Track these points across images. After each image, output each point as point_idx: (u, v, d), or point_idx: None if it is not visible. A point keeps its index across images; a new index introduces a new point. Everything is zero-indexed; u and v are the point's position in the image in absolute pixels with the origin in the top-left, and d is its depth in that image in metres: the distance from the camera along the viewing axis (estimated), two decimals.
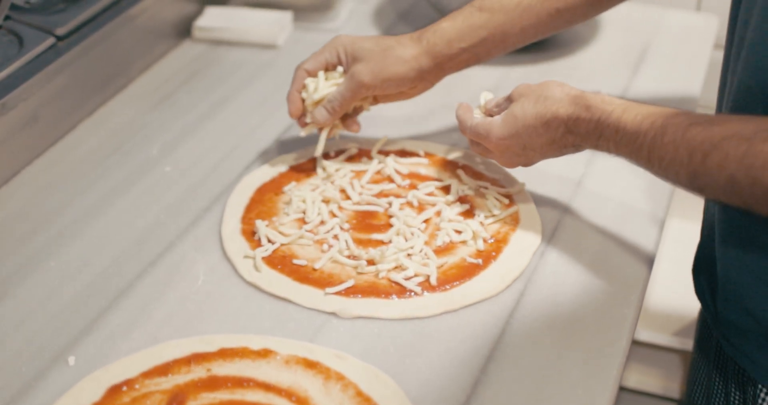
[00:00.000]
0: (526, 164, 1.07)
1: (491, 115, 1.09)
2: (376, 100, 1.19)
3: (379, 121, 1.30)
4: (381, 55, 1.12)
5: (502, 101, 1.07)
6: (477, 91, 1.39)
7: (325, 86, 1.15)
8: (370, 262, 1.04)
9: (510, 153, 1.05)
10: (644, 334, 1.66)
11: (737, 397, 1.03)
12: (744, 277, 0.98)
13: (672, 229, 1.64)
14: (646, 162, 0.91)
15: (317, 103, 1.15)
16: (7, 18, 1.29)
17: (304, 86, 1.16)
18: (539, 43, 1.50)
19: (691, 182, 0.87)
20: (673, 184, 0.92)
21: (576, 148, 1.01)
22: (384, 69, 1.12)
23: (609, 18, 1.58)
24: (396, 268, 1.04)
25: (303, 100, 1.16)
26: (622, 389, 1.72)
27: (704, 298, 1.08)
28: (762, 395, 0.99)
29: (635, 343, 1.69)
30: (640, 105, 0.94)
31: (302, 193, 1.13)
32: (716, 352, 1.08)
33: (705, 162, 0.84)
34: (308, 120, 1.17)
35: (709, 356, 1.10)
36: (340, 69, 1.15)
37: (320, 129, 1.18)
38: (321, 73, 1.16)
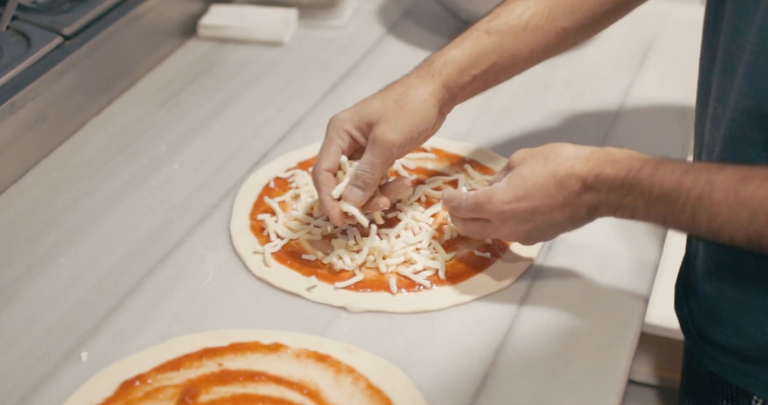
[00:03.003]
0: (531, 236, 0.96)
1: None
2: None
3: None
4: (397, 106, 1.01)
5: (497, 175, 0.99)
6: None
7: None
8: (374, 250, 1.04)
9: (515, 220, 0.94)
10: (653, 328, 1.67)
11: None
12: (740, 300, 0.96)
13: None
14: (689, 222, 0.83)
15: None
16: (14, 18, 1.30)
17: None
18: None
19: (750, 243, 0.82)
20: (721, 243, 0.85)
21: (591, 211, 0.91)
22: (408, 119, 1.01)
23: None
24: (405, 262, 1.04)
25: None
26: (632, 382, 1.72)
27: (687, 320, 1.06)
28: None
29: (644, 336, 1.69)
30: (671, 160, 0.86)
31: (311, 189, 1.13)
32: (705, 376, 1.06)
33: None
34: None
35: (698, 386, 1.09)
36: (343, 158, 1.03)
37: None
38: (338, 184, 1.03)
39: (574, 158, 0.90)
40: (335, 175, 1.03)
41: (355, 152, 1.04)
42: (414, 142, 1.03)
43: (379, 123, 1.01)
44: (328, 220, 1.09)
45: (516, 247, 1.06)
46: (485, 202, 0.94)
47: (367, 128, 1.02)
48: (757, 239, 0.81)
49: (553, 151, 0.92)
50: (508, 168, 0.96)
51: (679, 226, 0.86)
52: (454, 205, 0.99)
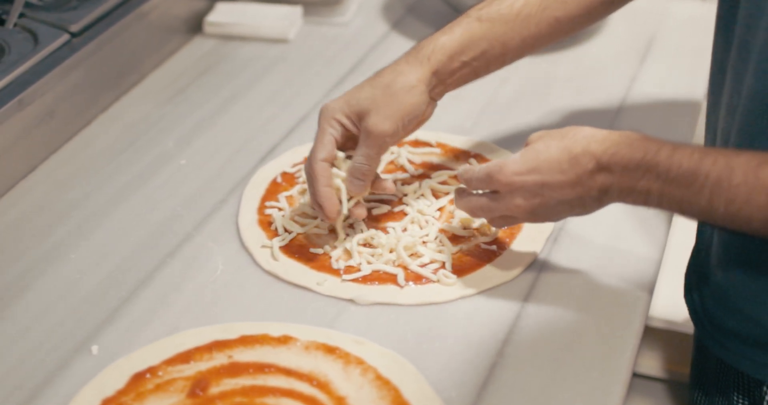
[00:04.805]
0: (538, 212, 0.93)
1: None
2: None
3: None
4: (385, 94, 1.01)
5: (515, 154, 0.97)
6: (488, 83, 1.40)
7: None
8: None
9: (524, 192, 0.92)
10: (660, 322, 1.68)
11: (745, 403, 1.03)
12: (753, 288, 0.96)
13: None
14: (706, 206, 0.83)
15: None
16: (21, 15, 1.31)
17: None
18: None
19: (767, 228, 0.81)
20: (733, 230, 0.85)
21: (601, 194, 0.89)
22: (398, 107, 1.01)
23: None
24: (412, 255, 1.05)
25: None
26: (641, 376, 1.73)
27: (697, 308, 1.06)
28: None
29: (652, 330, 1.70)
30: (689, 144, 0.85)
31: None
32: (715, 367, 1.07)
33: None
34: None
35: (708, 377, 1.10)
36: (340, 154, 1.04)
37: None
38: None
39: (590, 137, 0.90)
40: (331, 165, 1.03)
41: (347, 141, 1.04)
42: (405, 128, 1.03)
43: (370, 114, 1.01)
44: None
45: (521, 240, 1.07)
46: (496, 171, 0.93)
47: (357, 118, 1.02)
48: None
49: (571, 130, 0.92)
50: (525, 146, 0.95)
51: (693, 211, 0.85)
52: (467, 177, 0.98)
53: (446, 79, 1.05)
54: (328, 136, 1.02)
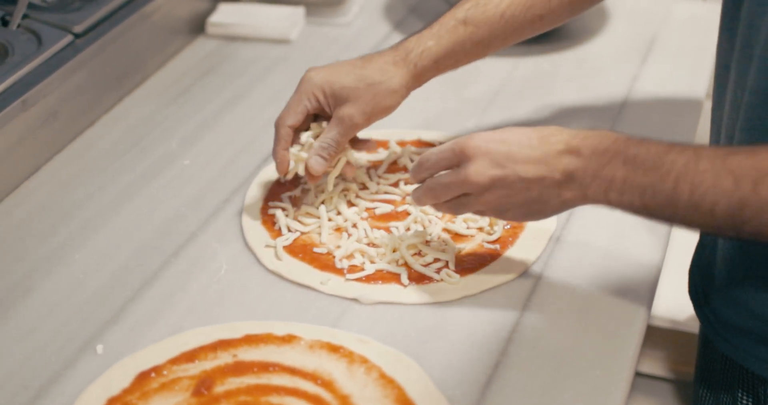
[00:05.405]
0: (496, 185, 0.90)
1: None
2: None
3: (395, 112, 1.31)
4: (368, 92, 1.06)
5: None
6: (488, 82, 1.41)
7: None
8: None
9: (487, 160, 0.90)
10: (659, 321, 1.68)
11: (749, 402, 1.04)
12: (757, 283, 0.97)
13: None
14: (670, 193, 0.82)
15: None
16: (24, 16, 1.31)
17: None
18: (548, 34, 1.52)
19: (732, 214, 0.80)
20: (698, 220, 0.83)
21: (564, 177, 0.87)
22: (375, 106, 1.07)
23: (617, 8, 1.60)
24: (415, 255, 1.05)
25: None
26: (646, 376, 1.74)
27: (702, 304, 1.07)
28: None
29: (656, 330, 1.71)
30: (658, 139, 0.86)
31: (320, 183, 1.14)
32: (720, 364, 1.07)
33: (757, 190, 0.78)
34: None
35: (713, 374, 1.10)
36: (308, 138, 1.09)
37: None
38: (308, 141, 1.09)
39: (563, 128, 0.90)
40: (297, 130, 1.10)
41: (319, 112, 1.10)
42: (375, 120, 1.09)
43: (348, 104, 1.07)
44: (338, 214, 1.11)
45: (524, 240, 1.07)
46: (464, 139, 0.92)
47: (335, 101, 1.08)
48: (739, 209, 0.79)
49: (540, 126, 0.92)
50: None
51: (656, 199, 0.83)
52: (422, 159, 0.95)
53: (427, 79, 1.11)
54: (302, 107, 1.09)
